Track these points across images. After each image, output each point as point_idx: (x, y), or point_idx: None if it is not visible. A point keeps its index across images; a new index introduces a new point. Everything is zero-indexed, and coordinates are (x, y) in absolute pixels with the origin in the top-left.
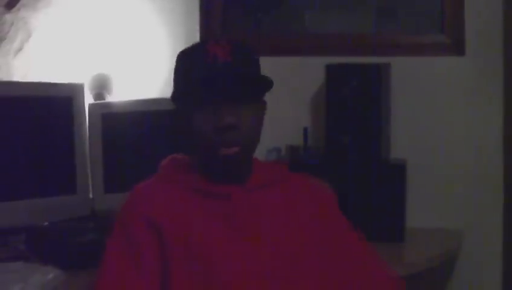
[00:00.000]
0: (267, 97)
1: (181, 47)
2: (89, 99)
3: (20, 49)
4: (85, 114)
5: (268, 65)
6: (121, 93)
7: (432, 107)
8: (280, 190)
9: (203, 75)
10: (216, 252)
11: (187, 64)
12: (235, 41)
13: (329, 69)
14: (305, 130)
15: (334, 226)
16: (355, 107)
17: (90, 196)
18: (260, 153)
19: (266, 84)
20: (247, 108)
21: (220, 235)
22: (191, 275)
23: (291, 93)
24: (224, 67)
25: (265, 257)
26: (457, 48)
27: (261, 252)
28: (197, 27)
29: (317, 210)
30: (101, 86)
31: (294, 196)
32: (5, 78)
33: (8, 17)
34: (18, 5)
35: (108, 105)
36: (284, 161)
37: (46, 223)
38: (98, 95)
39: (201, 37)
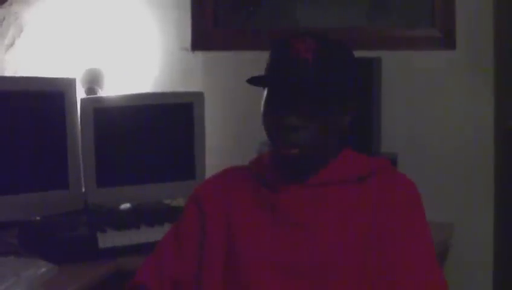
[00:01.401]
0: (258, 90)
1: (172, 41)
2: (81, 93)
3: (12, 44)
4: (77, 109)
5: (258, 59)
6: (113, 88)
7: (422, 100)
8: (347, 190)
9: (276, 68)
10: (248, 239)
11: (272, 53)
12: (325, 41)
13: None
14: None
15: (392, 242)
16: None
17: (83, 190)
18: (252, 146)
19: (347, 90)
20: (316, 112)
21: (261, 226)
22: (224, 259)
23: None
24: (300, 66)
25: (297, 253)
26: (448, 41)
27: (294, 247)
28: (189, 21)
29: (379, 220)
30: (93, 81)
31: (356, 200)
32: None
33: (0, 11)
34: (10, 0)
35: (100, 99)
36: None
37: (38, 218)
38: (90, 90)
39: (193, 31)
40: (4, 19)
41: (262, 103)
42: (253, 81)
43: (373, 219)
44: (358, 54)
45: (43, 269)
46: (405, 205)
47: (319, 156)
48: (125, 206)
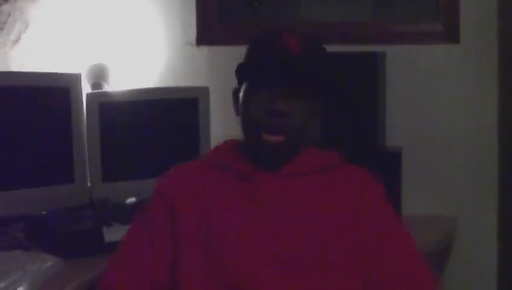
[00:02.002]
0: None
1: (177, 36)
2: (86, 89)
3: (17, 40)
4: (82, 104)
5: None
6: (118, 83)
7: (427, 95)
8: (320, 179)
9: (273, 59)
10: (228, 231)
11: (257, 47)
12: (309, 36)
13: None
14: None
15: (372, 223)
16: (350, 96)
17: (88, 184)
18: None
19: (329, 84)
20: (302, 101)
21: (236, 216)
22: (201, 253)
23: None
24: (294, 57)
25: (280, 242)
26: (452, 36)
27: (277, 236)
28: (194, 16)
29: (355, 204)
30: (99, 76)
31: (331, 187)
32: (3, 69)
33: (6, 7)
34: None
35: (106, 94)
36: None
37: (44, 212)
38: (96, 85)
39: (197, 26)
40: (10, 14)
41: (244, 92)
42: (245, 74)
43: (346, 204)
44: (362, 48)
45: (49, 263)
46: (370, 190)
47: (297, 144)
48: (131, 200)
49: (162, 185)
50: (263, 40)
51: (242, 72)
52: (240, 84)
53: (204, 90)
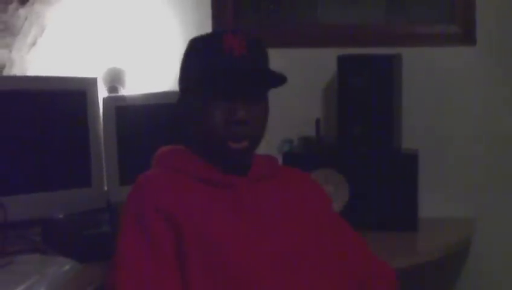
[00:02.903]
0: (279, 89)
1: None
2: (103, 92)
3: (34, 44)
4: (99, 107)
5: (279, 56)
6: (135, 87)
7: (442, 97)
8: (279, 181)
9: (220, 67)
10: (229, 239)
11: (201, 53)
12: (250, 35)
13: (341, 60)
14: (318, 121)
15: (330, 216)
16: (366, 98)
17: (105, 188)
18: (273, 144)
19: (280, 80)
20: (257, 103)
21: (231, 223)
22: (206, 262)
23: (303, 85)
24: (241, 60)
25: (273, 242)
26: (468, 37)
27: (269, 238)
28: (209, 19)
29: (315, 201)
30: (115, 80)
31: (293, 187)
32: (19, 73)
33: (22, 11)
34: (31, 0)
35: (122, 98)
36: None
37: (61, 216)
38: (112, 89)
39: (213, 29)
40: (26, 18)
41: (200, 103)
42: (190, 87)
43: (309, 203)
44: (378, 50)
45: (67, 267)
46: (316, 187)
47: (256, 148)
48: None
49: (149, 195)
50: (204, 46)
51: (188, 84)
52: (184, 94)
53: None
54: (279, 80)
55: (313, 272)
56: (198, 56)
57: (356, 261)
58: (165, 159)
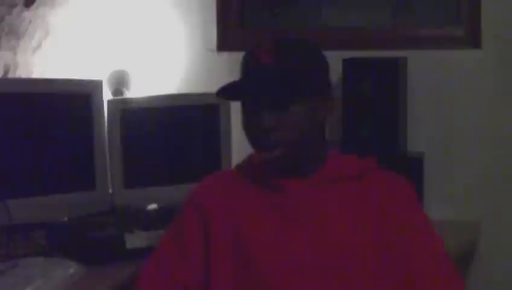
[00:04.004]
0: None
1: (198, 42)
2: (107, 95)
3: (38, 47)
4: (104, 110)
5: None
6: (139, 89)
7: (448, 100)
8: (350, 187)
9: (244, 77)
10: (260, 242)
11: (241, 66)
12: (285, 41)
13: (346, 63)
14: None
15: (400, 232)
16: (372, 100)
17: (110, 191)
18: None
19: (309, 84)
20: (286, 109)
21: (267, 227)
22: (232, 263)
23: None
24: (263, 70)
25: (310, 252)
26: (474, 41)
27: (305, 247)
28: (214, 22)
29: (383, 214)
30: (120, 83)
31: (361, 196)
32: (24, 75)
33: (27, 14)
34: (36, 3)
35: (127, 101)
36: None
37: (66, 219)
38: (117, 91)
39: (218, 32)
40: (31, 21)
41: (242, 113)
42: (226, 93)
43: (379, 214)
44: (384, 54)
45: (72, 270)
46: (405, 199)
47: (304, 152)
48: (152, 207)
49: (196, 195)
50: (245, 54)
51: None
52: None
53: None
54: (307, 85)
55: (348, 286)
56: (241, 68)
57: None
58: (244, 160)
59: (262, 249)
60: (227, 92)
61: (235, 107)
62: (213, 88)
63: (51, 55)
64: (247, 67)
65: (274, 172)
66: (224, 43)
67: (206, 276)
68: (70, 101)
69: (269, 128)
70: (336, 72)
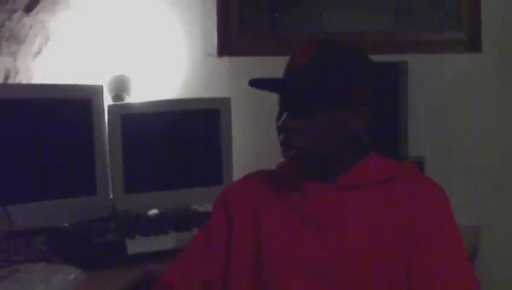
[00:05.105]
0: None
1: (198, 47)
2: (108, 100)
3: (39, 52)
4: (104, 115)
5: (285, 64)
6: (140, 94)
7: (449, 104)
8: (373, 192)
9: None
10: (277, 243)
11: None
12: (326, 45)
13: None
14: None
15: (423, 243)
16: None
17: (111, 196)
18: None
19: (343, 93)
20: (316, 114)
21: (285, 228)
22: (251, 260)
23: None
24: (293, 72)
25: (326, 256)
26: (474, 44)
27: (320, 251)
28: (215, 27)
29: (404, 221)
30: (120, 88)
31: (383, 202)
32: (25, 81)
33: (27, 20)
34: (36, 8)
35: (127, 106)
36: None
37: (66, 224)
38: (117, 97)
39: (218, 37)
40: (31, 27)
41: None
42: (256, 84)
43: (401, 222)
44: (384, 58)
45: (72, 276)
46: (432, 207)
47: (325, 157)
48: (153, 212)
49: (224, 192)
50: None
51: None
52: None
53: (226, 101)
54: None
55: None
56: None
57: None
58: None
59: (278, 251)
60: (262, 84)
61: (236, 112)
62: (213, 93)
63: (52, 61)
64: (287, 63)
65: (297, 174)
66: (225, 48)
67: (227, 271)
68: (71, 107)
69: (288, 128)
70: None
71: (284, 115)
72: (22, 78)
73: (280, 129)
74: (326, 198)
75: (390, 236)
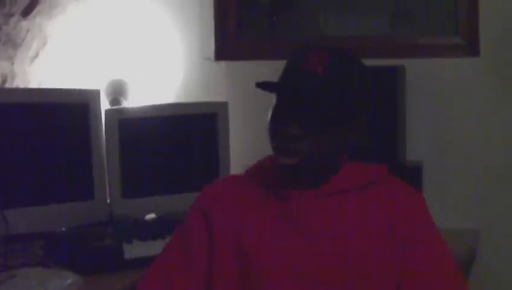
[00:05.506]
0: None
1: (196, 51)
2: (105, 105)
3: (36, 56)
4: (101, 120)
5: (282, 68)
6: (137, 99)
7: (446, 108)
8: (357, 197)
9: (286, 78)
10: (261, 250)
11: (288, 61)
12: (339, 55)
13: None
14: None
15: (404, 244)
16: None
17: (108, 201)
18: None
19: (344, 108)
20: (317, 124)
21: (270, 235)
22: (234, 269)
23: None
24: (308, 76)
25: (307, 262)
26: (471, 49)
27: (306, 258)
28: (212, 31)
29: (389, 223)
30: (117, 92)
31: (367, 206)
32: (22, 85)
33: (24, 24)
34: (34, 12)
35: (125, 111)
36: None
37: (64, 229)
38: (114, 101)
39: (216, 41)
40: (28, 31)
41: (270, 111)
42: (264, 87)
43: (387, 225)
44: (382, 62)
45: (69, 280)
46: (416, 209)
47: (319, 166)
48: (150, 216)
49: (200, 198)
50: (291, 56)
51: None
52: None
53: (223, 106)
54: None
55: None
56: (286, 63)
57: None
58: (252, 166)
59: (261, 255)
60: (269, 86)
61: (233, 116)
62: (211, 97)
63: (49, 65)
64: (294, 67)
65: (283, 179)
66: (222, 52)
67: (209, 281)
68: (68, 111)
69: (293, 136)
70: None
71: (288, 121)
72: (19, 83)
73: (280, 135)
74: (312, 205)
75: (380, 240)
